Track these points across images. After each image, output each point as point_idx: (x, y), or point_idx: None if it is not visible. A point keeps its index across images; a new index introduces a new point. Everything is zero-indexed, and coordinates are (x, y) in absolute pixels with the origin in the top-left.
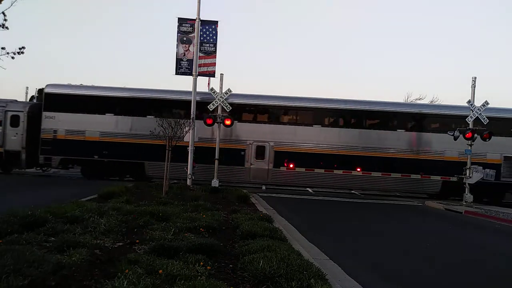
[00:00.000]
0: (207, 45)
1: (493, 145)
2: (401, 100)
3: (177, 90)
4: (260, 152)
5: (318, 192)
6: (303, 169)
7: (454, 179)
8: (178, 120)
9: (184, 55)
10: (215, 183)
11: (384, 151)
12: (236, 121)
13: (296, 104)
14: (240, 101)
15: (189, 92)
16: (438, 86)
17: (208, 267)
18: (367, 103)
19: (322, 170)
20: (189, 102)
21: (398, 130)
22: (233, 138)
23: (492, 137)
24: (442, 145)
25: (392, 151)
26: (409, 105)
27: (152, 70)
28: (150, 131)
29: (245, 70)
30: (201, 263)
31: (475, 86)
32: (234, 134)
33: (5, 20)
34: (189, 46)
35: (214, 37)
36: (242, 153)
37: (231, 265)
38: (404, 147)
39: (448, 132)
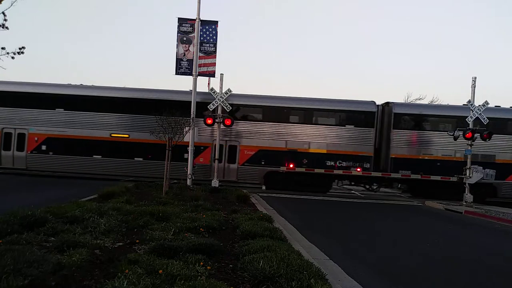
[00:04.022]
0: (207, 45)
1: None
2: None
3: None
4: None
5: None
6: None
7: None
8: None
9: (184, 55)
10: (215, 183)
11: None
12: None
13: None
14: None
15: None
16: (438, 86)
17: (208, 267)
18: None
19: None
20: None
21: None
22: None
23: None
24: None
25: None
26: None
27: (151, 70)
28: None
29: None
30: (201, 263)
31: (475, 86)
32: None
33: (5, 20)
34: (189, 46)
35: (214, 37)
36: None
37: (231, 265)
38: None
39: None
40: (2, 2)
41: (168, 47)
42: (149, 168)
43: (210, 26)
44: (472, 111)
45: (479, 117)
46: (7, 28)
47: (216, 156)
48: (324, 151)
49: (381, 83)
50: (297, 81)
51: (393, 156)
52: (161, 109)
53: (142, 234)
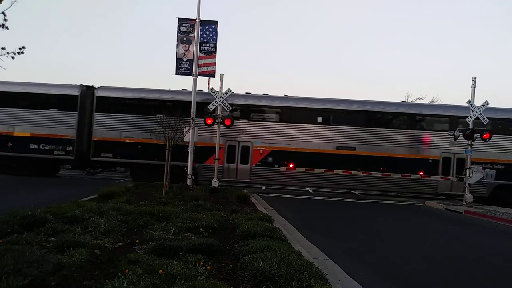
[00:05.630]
0: (207, 45)
1: None
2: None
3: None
4: None
5: (318, 192)
6: None
7: None
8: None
9: (184, 55)
10: (215, 183)
11: None
12: None
13: None
14: None
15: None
16: (439, 86)
17: (208, 267)
18: None
19: None
20: None
21: None
22: None
23: None
24: None
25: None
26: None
27: (151, 70)
28: None
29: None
30: (201, 263)
31: (475, 86)
32: None
33: (5, 20)
34: (189, 46)
35: (214, 37)
36: None
37: (231, 265)
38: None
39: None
40: (2, 2)
41: (168, 47)
42: None
43: (210, 26)
44: (473, 111)
45: (479, 117)
46: (7, 28)
47: (217, 156)
48: (28, 134)
49: (381, 83)
50: (297, 81)
51: (95, 139)
52: None
53: (142, 234)
